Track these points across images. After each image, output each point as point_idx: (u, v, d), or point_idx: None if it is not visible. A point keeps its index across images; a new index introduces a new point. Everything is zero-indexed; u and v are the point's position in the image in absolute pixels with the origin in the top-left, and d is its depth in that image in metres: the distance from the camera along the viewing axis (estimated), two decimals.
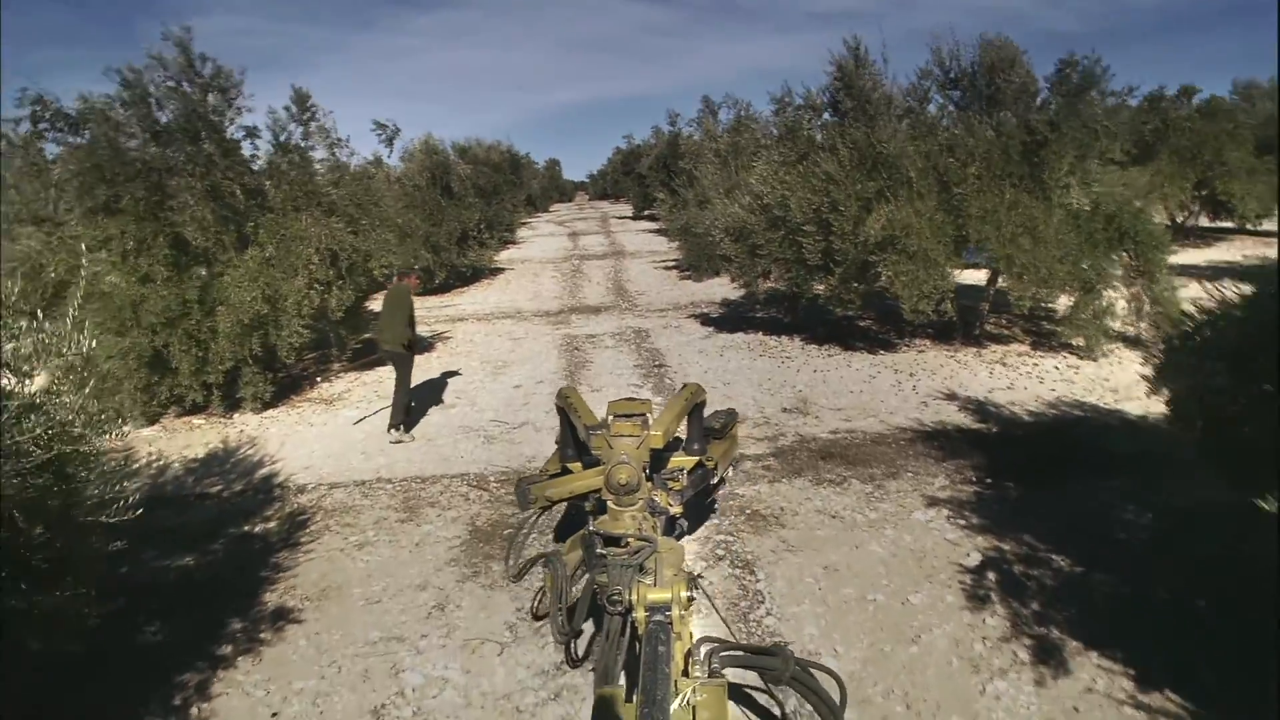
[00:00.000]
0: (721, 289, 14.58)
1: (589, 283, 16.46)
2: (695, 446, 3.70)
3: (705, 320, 11.95)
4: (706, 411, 4.04)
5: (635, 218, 34.04)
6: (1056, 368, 8.37)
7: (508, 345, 10.95)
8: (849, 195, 8.35)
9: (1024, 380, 8.04)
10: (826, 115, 9.48)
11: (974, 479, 5.73)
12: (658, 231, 26.44)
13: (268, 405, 8.33)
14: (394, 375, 7.40)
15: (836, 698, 2.02)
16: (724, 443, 4.04)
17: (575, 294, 15.14)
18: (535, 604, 3.04)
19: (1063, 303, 9.09)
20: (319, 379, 9.43)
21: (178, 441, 7.47)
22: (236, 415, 8.20)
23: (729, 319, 11.90)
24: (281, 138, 8.72)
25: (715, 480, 3.98)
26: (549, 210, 49.16)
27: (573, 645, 2.70)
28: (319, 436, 7.48)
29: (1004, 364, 8.62)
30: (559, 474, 3.66)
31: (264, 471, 6.63)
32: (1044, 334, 9.65)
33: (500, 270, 18.64)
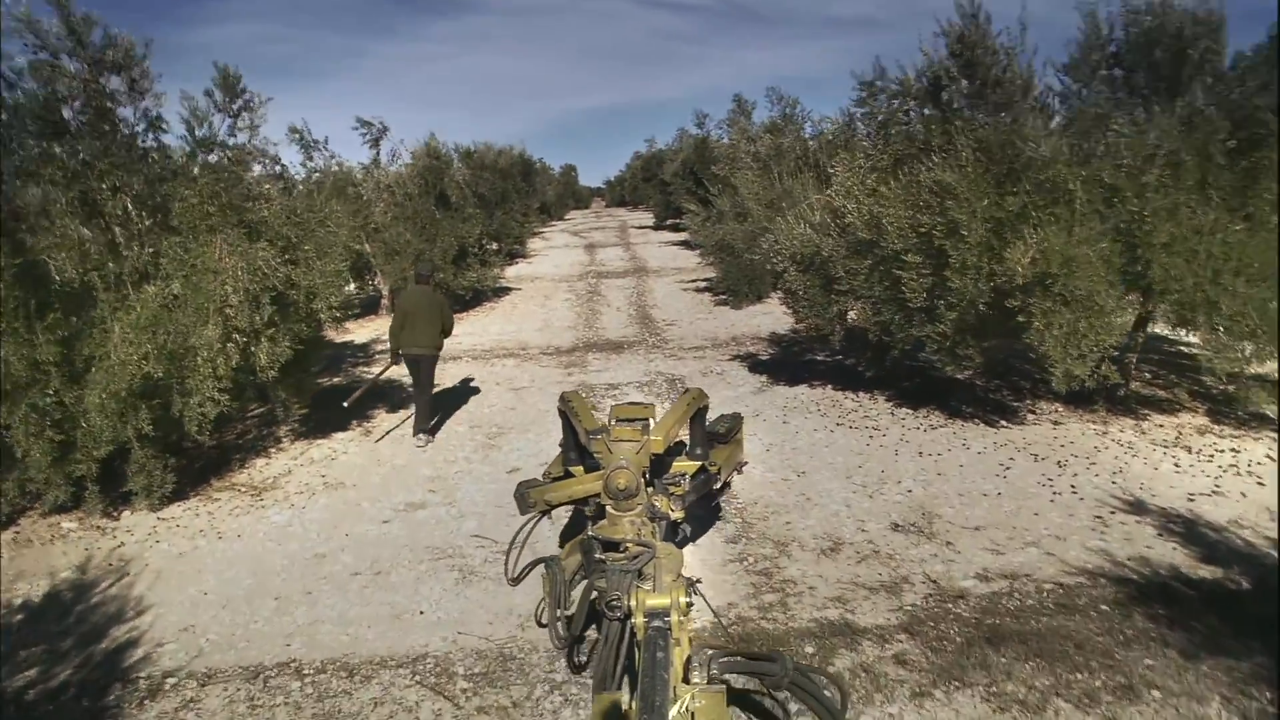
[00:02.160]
0: (768, 319, 12.22)
1: (608, 308, 14.13)
2: (698, 451, 3.44)
3: (754, 365, 9.59)
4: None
5: (657, 227, 31.70)
6: (1270, 457, 5.96)
7: (507, 400, 8.63)
8: (973, 214, 5.99)
9: (1230, 478, 5.64)
10: (926, 108, 7.10)
11: (1273, 702, 3.35)
12: (682, 244, 24.10)
13: (172, 498, 6.07)
14: (413, 380, 7.37)
15: (838, 702, 1.85)
16: (728, 447, 3.72)
17: (592, 324, 12.82)
18: (538, 612, 2.70)
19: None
20: (254, 453, 7.15)
21: (21, 563, 5.20)
22: (126, 513, 5.94)
23: (785, 364, 9.53)
24: (199, 132, 6.45)
25: (718, 486, 3.62)
26: (564, 219, 46.95)
27: (575, 651, 2.56)
28: (225, 560, 5.19)
29: (1185, 447, 6.22)
30: (561, 477, 3.36)
31: (117, 636, 4.34)
32: (1213, 397, 7.24)
33: (506, 290, 16.34)
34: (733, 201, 14.50)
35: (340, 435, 7.58)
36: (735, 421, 4.16)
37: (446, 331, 7.31)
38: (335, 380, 9.78)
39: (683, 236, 25.46)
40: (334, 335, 12.42)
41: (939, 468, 6.13)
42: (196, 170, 6.14)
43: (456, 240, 13.21)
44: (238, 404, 6.88)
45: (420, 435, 7.26)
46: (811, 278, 7.48)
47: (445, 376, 9.63)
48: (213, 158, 6.48)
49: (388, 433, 7.69)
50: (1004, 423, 6.99)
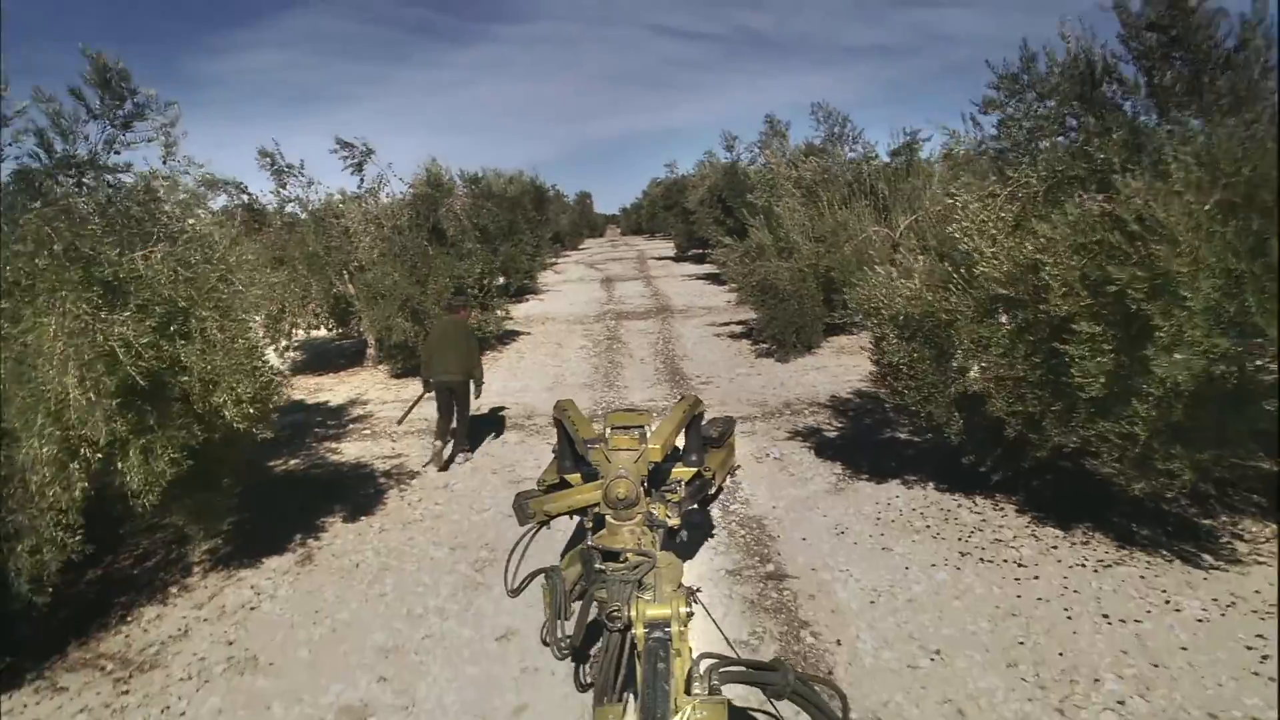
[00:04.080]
0: (822, 377, 10.14)
1: (630, 359, 12.11)
2: (693, 457, 2.97)
3: (821, 446, 7.51)
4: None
5: (678, 259, 29.80)
6: None
7: (505, 501, 6.56)
8: (1195, 264, 3.95)
9: None
10: (1093, 112, 5.04)
11: None
12: (709, 278, 22.14)
13: (2, 680, 4.09)
14: (438, 408, 7.46)
15: (839, 711, 1.70)
16: (722, 452, 3.12)
17: (612, 380, 10.79)
18: (543, 631, 2.28)
19: None
20: (147, 595, 5.14)
21: None
22: None
23: (861, 444, 7.44)
24: (62, 147, 4.50)
25: (713, 491, 2.96)
26: (578, 248, 45.23)
27: (582, 670, 2.30)
28: None
29: None
30: (556, 485, 2.94)
31: None
32: None
33: (513, 335, 14.37)
34: (775, 235, 12.52)
35: (273, 562, 5.54)
36: (728, 425, 3.49)
37: (476, 366, 7.46)
38: (293, 463, 7.78)
39: (708, 269, 23.53)
40: (305, 396, 10.48)
41: (1149, 650, 4.02)
42: (38, 197, 4.15)
43: (452, 280, 11.26)
44: (143, 518, 4.92)
45: (460, 455, 7.63)
46: (920, 348, 5.42)
47: (418, 459, 7.62)
48: (76, 181, 4.49)
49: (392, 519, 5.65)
50: (1208, 557, 4.88)
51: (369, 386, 10.97)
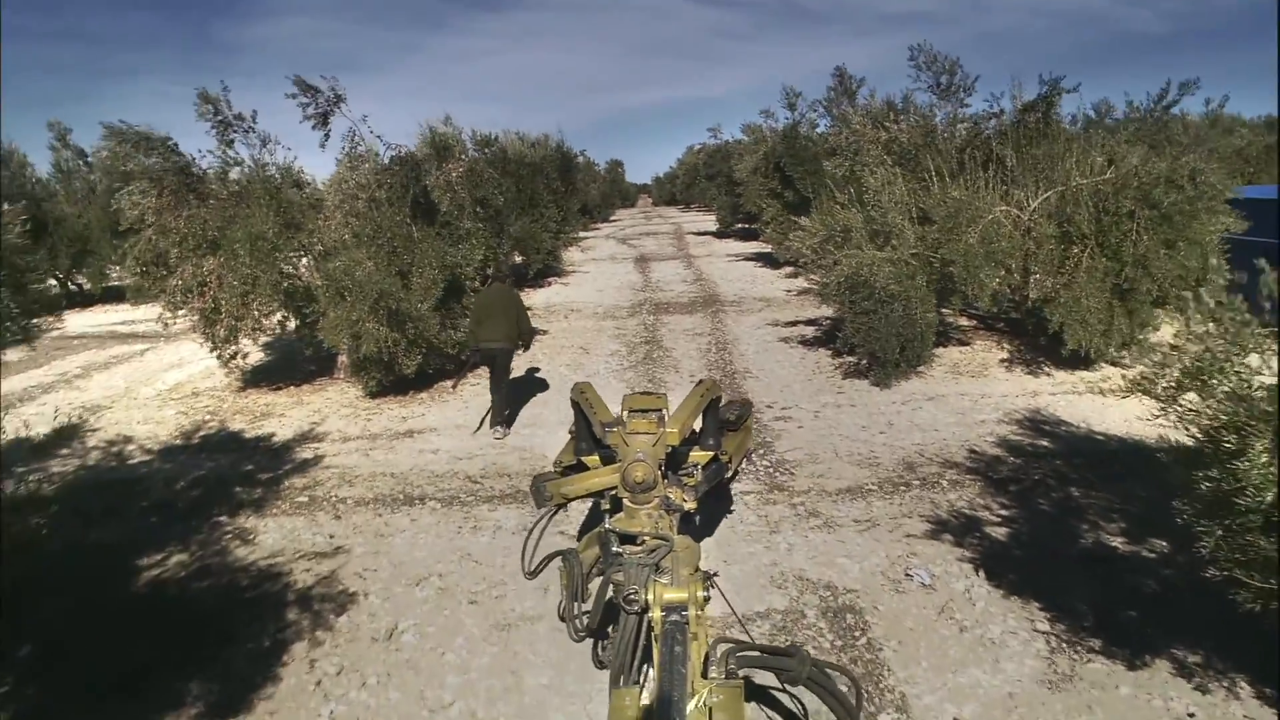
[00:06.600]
0: (942, 413, 7.29)
1: (676, 374, 9.31)
2: (710, 441, 3.42)
3: (989, 554, 4.68)
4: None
5: (721, 234, 26.83)
6: None
7: (484, 669, 3.86)
8: None
9: None
10: None
11: None
12: (759, 259, 19.24)
13: None
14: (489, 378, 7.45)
15: (853, 698, 1.87)
16: (738, 435, 3.66)
17: None
18: (561, 604, 2.65)
19: None
20: None
21: None
22: None
23: (1050, 553, 4.62)
24: None
25: (729, 474, 3.53)
26: (609, 220, 42.37)
27: (598, 645, 2.53)
28: None
29: None
30: (573, 466, 3.34)
31: None
32: None
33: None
34: (867, 213, 9.63)
35: None
36: (745, 409, 3.85)
37: (525, 329, 7.42)
38: (175, 560, 5.14)
39: (757, 248, 20.65)
40: (245, 426, 7.88)
41: None
42: None
43: (443, 271, 8.53)
44: None
45: (497, 428, 7.32)
46: None
47: (360, 551, 4.95)
48: None
49: None
50: None
51: (331, 411, 8.33)
